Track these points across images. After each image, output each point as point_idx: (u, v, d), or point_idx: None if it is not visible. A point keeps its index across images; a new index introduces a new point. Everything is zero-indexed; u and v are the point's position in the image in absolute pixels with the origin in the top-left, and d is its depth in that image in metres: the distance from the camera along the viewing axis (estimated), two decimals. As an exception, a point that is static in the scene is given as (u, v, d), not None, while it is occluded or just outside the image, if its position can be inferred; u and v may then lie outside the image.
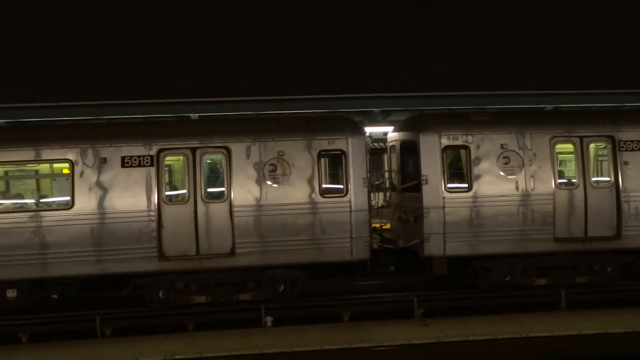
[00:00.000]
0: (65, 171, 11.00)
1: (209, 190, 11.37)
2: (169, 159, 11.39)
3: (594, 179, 12.06)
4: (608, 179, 12.06)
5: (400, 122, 14.05)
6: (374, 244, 11.90)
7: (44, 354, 9.73)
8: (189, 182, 11.14)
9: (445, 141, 11.71)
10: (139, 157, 11.00)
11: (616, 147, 11.97)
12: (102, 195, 10.84)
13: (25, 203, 11.26)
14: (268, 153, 11.24)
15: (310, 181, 11.26)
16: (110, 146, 10.98)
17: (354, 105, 19.18)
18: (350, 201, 11.30)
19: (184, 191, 11.21)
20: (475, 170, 11.66)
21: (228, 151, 11.22)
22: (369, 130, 15.73)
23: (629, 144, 11.98)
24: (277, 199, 11.16)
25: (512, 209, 11.61)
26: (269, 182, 11.19)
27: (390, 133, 13.89)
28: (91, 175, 10.87)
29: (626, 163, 11.92)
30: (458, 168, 11.93)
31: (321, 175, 11.37)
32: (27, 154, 10.92)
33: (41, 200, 11.31)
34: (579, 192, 11.87)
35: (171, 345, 9.92)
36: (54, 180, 11.50)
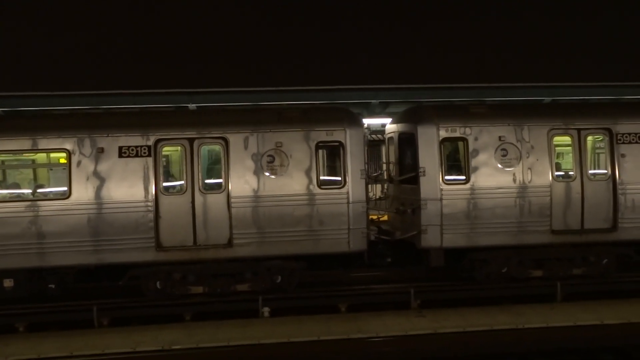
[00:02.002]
0: (62, 161, 10.96)
1: (207, 181, 11.35)
2: (167, 150, 11.36)
3: (591, 171, 12.09)
4: (605, 171, 12.08)
5: (398, 113, 14.03)
6: (371, 236, 11.93)
7: (41, 344, 9.73)
8: (186, 172, 11.12)
9: (443, 133, 11.70)
10: (137, 147, 10.96)
11: (613, 140, 11.98)
12: (99, 185, 10.81)
13: (22, 193, 11.23)
14: (266, 144, 11.21)
15: (308, 172, 11.25)
16: (108, 136, 10.94)
17: (352, 97, 19.15)
18: (347, 193, 11.30)
19: (182, 182, 11.19)
20: (473, 162, 11.66)
21: (226, 142, 11.19)
22: (367, 121, 15.69)
23: (626, 137, 12.00)
24: (275, 190, 11.15)
25: (509, 201, 11.63)
26: (266, 173, 11.18)
27: (389, 125, 13.87)
28: (88, 165, 10.83)
29: (623, 155, 11.94)
30: (456, 160, 11.94)
31: (319, 167, 11.35)
32: (24, 143, 10.87)
33: (38, 190, 11.27)
34: (575, 185, 11.90)
35: (169, 335, 9.95)
36: (51, 169, 11.47)
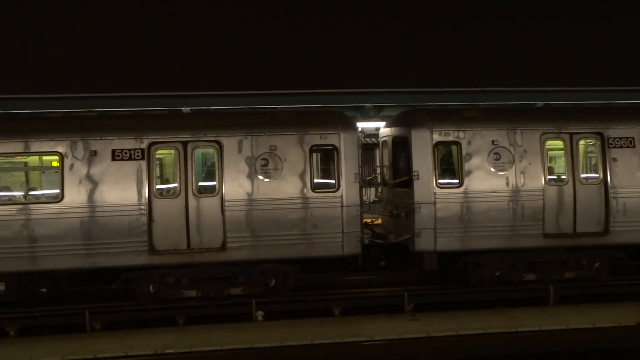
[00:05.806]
0: (55, 164, 10.90)
1: (201, 184, 11.33)
2: (160, 153, 11.32)
3: (583, 175, 12.17)
4: (597, 175, 12.17)
5: (392, 117, 14.07)
6: (365, 239, 11.94)
7: (33, 348, 9.66)
8: (180, 176, 11.09)
9: (436, 137, 11.74)
10: (130, 150, 10.92)
11: (605, 144, 12.07)
12: (92, 189, 10.76)
13: (14, 195, 11.16)
14: (260, 147, 11.21)
15: (302, 176, 11.25)
16: (101, 139, 10.90)
17: (346, 101, 19.22)
18: (341, 196, 11.31)
19: (175, 185, 11.16)
20: (466, 166, 11.71)
21: (220, 145, 11.18)
22: (361, 125, 15.72)
23: (617, 141, 12.09)
24: (269, 194, 11.14)
25: (502, 205, 11.68)
26: (260, 177, 11.17)
27: (382, 128, 13.90)
28: (81, 168, 10.78)
29: (614, 160, 12.02)
30: (449, 164, 11.98)
31: (313, 170, 11.36)
32: (16, 146, 10.81)
33: (30, 193, 11.21)
34: (568, 189, 11.97)
35: (162, 339, 9.90)
36: (43, 172, 11.40)
